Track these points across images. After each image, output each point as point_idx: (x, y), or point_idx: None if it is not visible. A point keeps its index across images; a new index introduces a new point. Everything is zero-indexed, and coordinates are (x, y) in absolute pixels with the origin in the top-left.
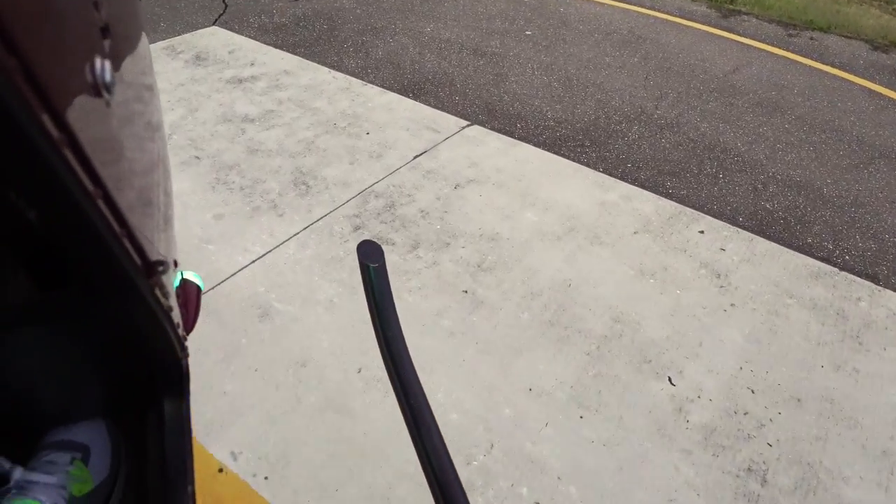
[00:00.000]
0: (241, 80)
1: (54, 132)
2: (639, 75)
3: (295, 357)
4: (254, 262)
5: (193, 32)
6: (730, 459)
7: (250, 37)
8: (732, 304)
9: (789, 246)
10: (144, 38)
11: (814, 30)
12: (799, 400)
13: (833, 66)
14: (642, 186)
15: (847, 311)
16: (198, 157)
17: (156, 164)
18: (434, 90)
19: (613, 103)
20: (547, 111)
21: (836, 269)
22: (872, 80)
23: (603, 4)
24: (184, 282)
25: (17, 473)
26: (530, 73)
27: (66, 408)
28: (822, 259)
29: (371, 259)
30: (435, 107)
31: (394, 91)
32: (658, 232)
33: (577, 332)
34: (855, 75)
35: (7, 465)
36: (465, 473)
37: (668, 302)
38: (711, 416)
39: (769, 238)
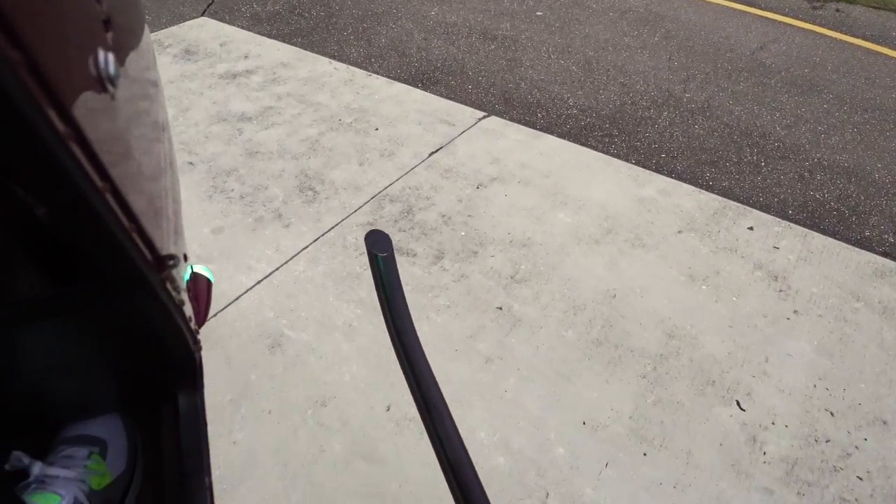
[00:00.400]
0: (235, 75)
1: (61, 126)
2: (661, 56)
3: (313, 395)
4: (259, 282)
5: (181, 24)
6: (818, 499)
7: (242, 27)
8: (795, 311)
9: (847, 241)
10: (147, 32)
11: (839, 0)
12: (885, 422)
13: (865, 38)
14: (680, 179)
15: None
16: (191, 163)
17: (163, 163)
18: (444, 79)
19: (638, 87)
20: (568, 98)
21: None
22: None
23: None
24: (194, 275)
25: (37, 468)
26: (546, 57)
27: (82, 402)
28: (884, 254)
29: (379, 248)
30: (447, 97)
31: (401, 81)
32: (704, 230)
33: (628, 351)
34: (890, 48)
35: (26, 459)
36: None
37: (725, 311)
38: (790, 445)
39: (824, 232)
